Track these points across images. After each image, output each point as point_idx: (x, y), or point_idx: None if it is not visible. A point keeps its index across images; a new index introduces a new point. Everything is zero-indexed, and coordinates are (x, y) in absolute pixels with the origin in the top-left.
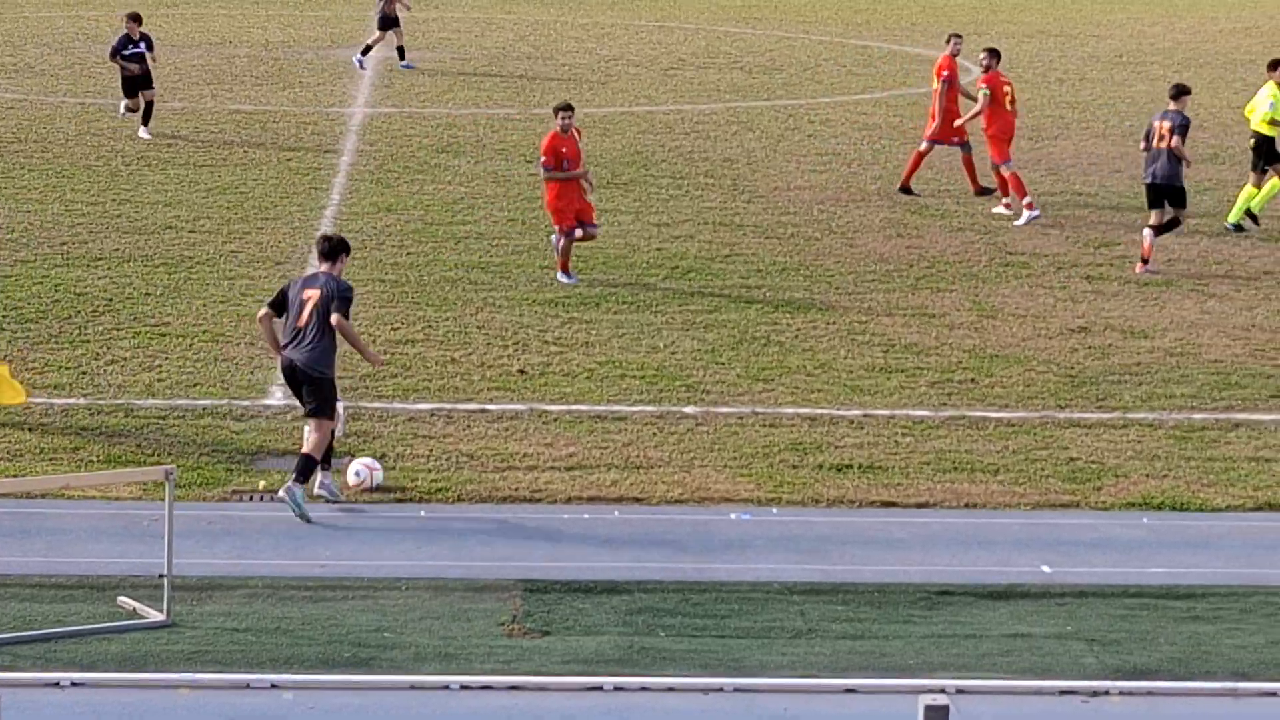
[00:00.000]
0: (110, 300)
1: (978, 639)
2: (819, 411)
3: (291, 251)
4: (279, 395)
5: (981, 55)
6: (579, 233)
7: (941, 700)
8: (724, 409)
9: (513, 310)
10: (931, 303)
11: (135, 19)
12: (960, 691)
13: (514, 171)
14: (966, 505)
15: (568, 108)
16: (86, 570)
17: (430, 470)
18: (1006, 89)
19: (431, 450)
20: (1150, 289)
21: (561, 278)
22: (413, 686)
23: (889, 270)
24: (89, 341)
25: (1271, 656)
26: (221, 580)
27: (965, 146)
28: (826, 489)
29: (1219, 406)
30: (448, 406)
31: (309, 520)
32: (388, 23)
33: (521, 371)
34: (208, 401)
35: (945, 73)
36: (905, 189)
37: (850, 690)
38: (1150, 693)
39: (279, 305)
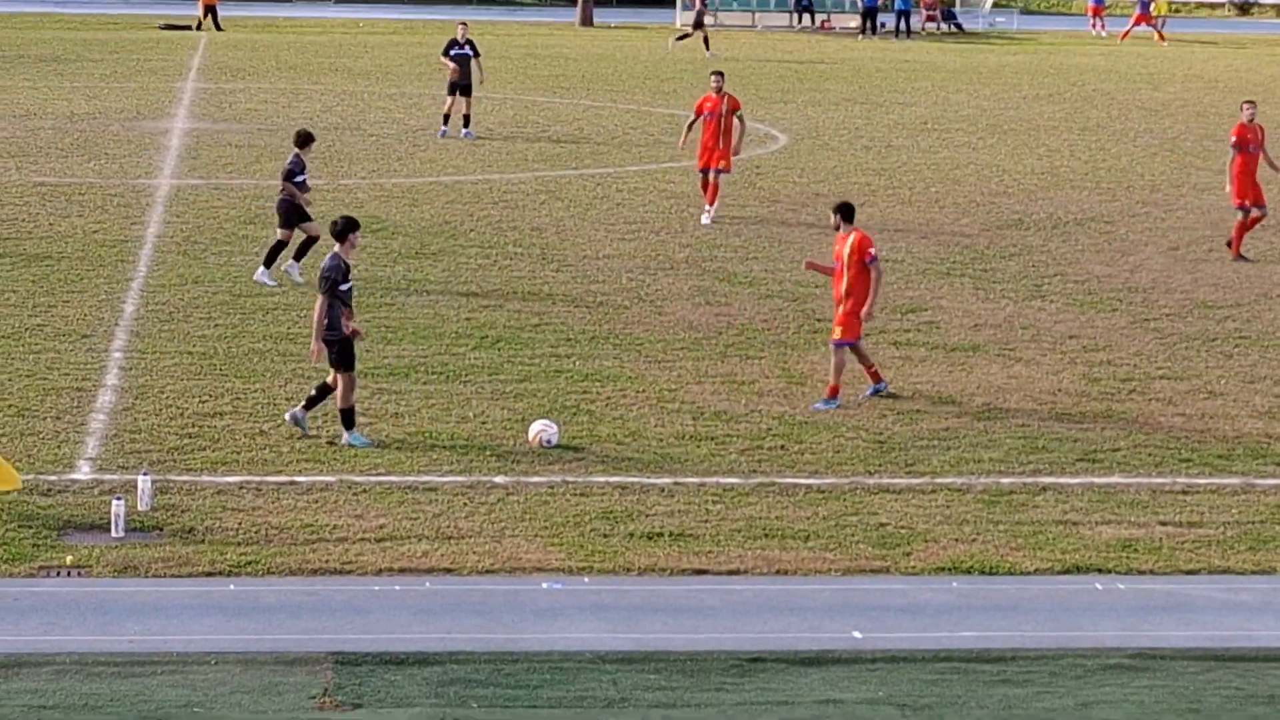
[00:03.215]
0: None
1: (790, 705)
2: (629, 480)
3: (98, 324)
4: (85, 470)
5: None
6: None
7: None
8: (534, 478)
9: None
10: (740, 370)
11: (304, 140)
12: None
13: (321, 242)
14: (777, 572)
15: None
16: None
17: (239, 543)
18: (1249, 136)
19: (241, 523)
20: (957, 354)
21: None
22: None
23: (698, 338)
24: None
25: (1081, 718)
26: (28, 657)
27: (1253, 209)
28: (638, 557)
29: (1026, 470)
30: (257, 479)
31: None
32: (464, 90)
33: (330, 443)
34: None
35: (1235, 138)
36: (1239, 256)
37: None
38: None
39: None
